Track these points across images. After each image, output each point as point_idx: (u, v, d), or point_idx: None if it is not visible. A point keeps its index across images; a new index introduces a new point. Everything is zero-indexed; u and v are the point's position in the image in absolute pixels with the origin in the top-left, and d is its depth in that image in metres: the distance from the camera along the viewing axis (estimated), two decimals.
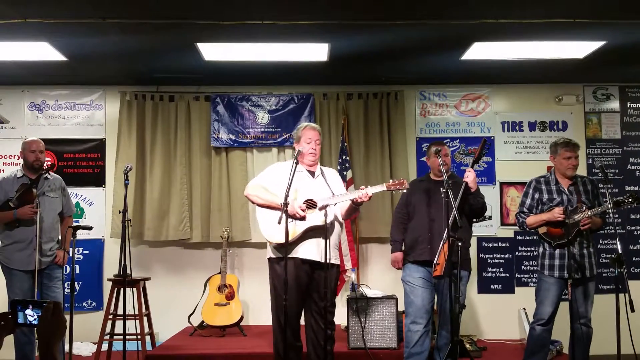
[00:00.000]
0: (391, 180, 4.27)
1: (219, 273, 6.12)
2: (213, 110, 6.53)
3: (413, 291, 4.70)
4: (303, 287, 4.23)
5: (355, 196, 4.13)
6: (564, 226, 4.60)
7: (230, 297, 6.03)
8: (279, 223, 3.96)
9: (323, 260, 4.09)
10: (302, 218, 4.14)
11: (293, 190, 4.14)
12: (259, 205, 4.33)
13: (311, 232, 4.19)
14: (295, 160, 4.20)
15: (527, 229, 4.90)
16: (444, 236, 4.31)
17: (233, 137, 6.52)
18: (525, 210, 4.84)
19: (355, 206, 4.25)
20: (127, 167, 5.02)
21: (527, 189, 4.90)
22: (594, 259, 4.67)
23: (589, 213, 4.51)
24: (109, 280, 5.69)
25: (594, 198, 4.71)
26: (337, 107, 6.56)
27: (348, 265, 6.13)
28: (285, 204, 3.98)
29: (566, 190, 4.73)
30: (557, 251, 4.65)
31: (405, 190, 4.25)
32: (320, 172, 4.45)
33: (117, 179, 6.39)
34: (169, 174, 6.50)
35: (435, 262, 4.41)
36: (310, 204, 4.21)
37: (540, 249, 4.78)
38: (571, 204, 4.65)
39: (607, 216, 4.65)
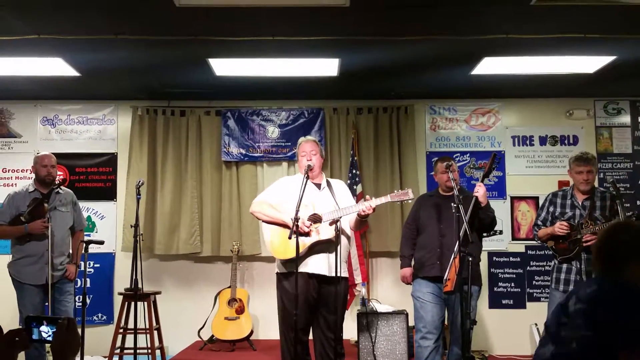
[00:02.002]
0: (396, 191, 4.27)
1: (229, 287, 6.13)
2: (224, 125, 6.57)
3: (423, 307, 4.68)
4: (311, 302, 4.22)
5: (359, 209, 4.13)
6: (569, 241, 4.58)
7: (240, 311, 6.04)
8: (290, 238, 3.95)
9: (331, 274, 4.08)
10: (307, 234, 4.14)
11: (302, 205, 4.14)
12: (264, 221, 4.34)
13: (318, 246, 4.19)
14: (306, 175, 4.20)
15: (539, 243, 4.91)
16: (455, 251, 4.29)
17: (243, 152, 6.55)
18: (539, 222, 4.84)
19: (361, 219, 4.24)
20: (139, 181, 5.05)
21: (543, 202, 4.90)
22: None
23: (591, 229, 4.48)
24: (120, 294, 5.72)
25: (612, 214, 4.61)
26: (347, 121, 6.58)
27: (358, 279, 6.13)
28: (296, 219, 3.97)
29: (580, 204, 4.68)
30: (564, 265, 4.65)
31: (410, 200, 4.25)
32: (327, 184, 4.46)
33: (129, 193, 6.43)
34: (179, 188, 6.54)
35: (445, 277, 4.37)
36: (315, 218, 4.21)
37: (552, 262, 4.79)
38: (583, 219, 4.62)
39: None
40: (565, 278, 4.63)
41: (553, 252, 4.72)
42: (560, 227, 4.56)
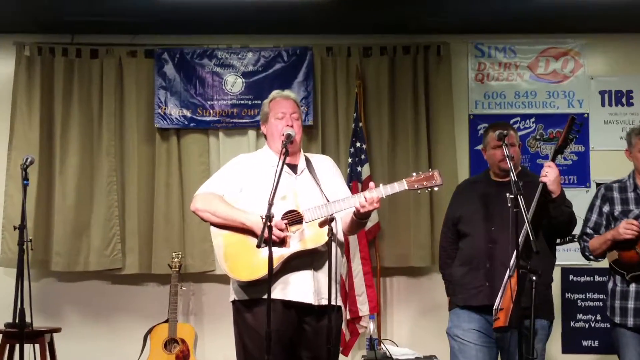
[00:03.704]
0: (415, 175, 4.22)
1: (166, 321, 6.15)
2: (158, 72, 6.55)
3: (463, 350, 4.71)
4: (288, 345, 4.22)
5: (359, 202, 4.09)
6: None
7: (183, 357, 6.03)
8: (259, 246, 3.92)
9: (319, 302, 4.10)
10: (282, 241, 4.11)
11: (278, 197, 4.11)
12: (214, 224, 4.31)
13: (297, 261, 4.17)
14: (284, 151, 4.14)
15: (593, 258, 4.92)
16: (511, 267, 4.30)
17: (189, 114, 6.54)
18: (588, 230, 4.89)
19: (359, 219, 4.22)
20: (27, 159, 5.03)
21: (593, 200, 4.95)
22: None
23: None
24: None
25: None
26: (349, 67, 6.58)
27: (364, 309, 6.17)
28: (269, 218, 3.93)
29: None
30: (633, 287, 4.68)
31: (437, 188, 4.22)
32: (306, 165, 4.43)
33: (11, 177, 6.43)
34: (89, 169, 6.53)
35: (497, 306, 4.39)
36: (294, 218, 4.17)
37: (610, 284, 4.84)
38: None
39: None
40: (635, 307, 4.66)
41: (615, 270, 4.74)
42: (628, 228, 4.56)
